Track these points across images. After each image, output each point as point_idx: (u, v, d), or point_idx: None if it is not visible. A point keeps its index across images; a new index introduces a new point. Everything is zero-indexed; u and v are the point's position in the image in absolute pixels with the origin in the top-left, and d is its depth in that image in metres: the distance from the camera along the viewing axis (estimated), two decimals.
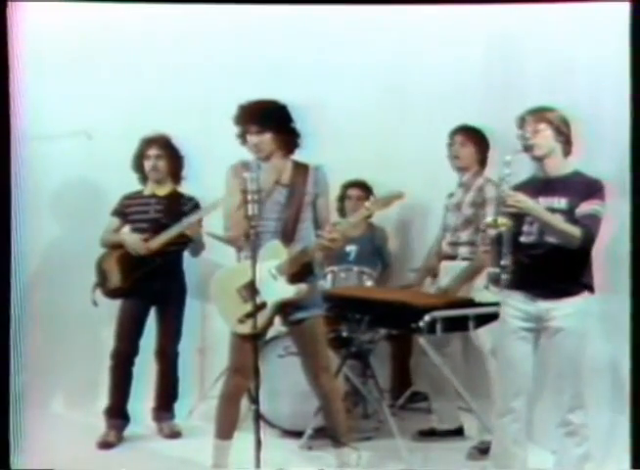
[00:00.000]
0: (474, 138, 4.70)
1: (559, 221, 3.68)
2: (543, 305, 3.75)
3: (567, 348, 3.73)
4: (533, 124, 3.75)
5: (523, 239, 3.77)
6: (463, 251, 4.65)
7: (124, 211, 4.86)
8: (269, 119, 3.95)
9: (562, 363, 3.75)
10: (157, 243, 4.69)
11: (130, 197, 4.89)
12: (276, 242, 3.95)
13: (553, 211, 3.71)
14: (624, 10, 4.08)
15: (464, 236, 4.65)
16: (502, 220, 3.68)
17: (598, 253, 3.77)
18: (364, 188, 5.28)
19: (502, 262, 3.73)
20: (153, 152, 4.80)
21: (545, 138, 3.75)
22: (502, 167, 3.73)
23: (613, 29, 4.14)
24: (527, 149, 3.76)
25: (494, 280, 3.80)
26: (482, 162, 4.72)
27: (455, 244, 4.69)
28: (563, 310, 3.72)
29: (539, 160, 3.79)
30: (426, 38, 4.86)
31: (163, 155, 4.81)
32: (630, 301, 4.02)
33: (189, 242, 4.80)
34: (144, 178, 4.88)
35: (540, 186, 3.79)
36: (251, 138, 3.96)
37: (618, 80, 4.09)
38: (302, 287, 3.95)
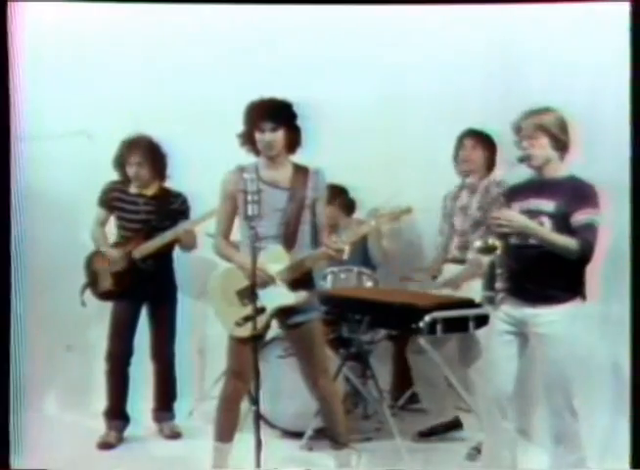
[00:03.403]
0: (484, 142, 4.69)
1: (555, 236, 3.60)
2: (530, 311, 3.69)
3: (553, 354, 3.65)
4: (529, 133, 3.66)
5: (513, 240, 3.69)
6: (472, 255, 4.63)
7: (112, 205, 4.82)
8: (283, 116, 3.93)
9: (549, 369, 3.69)
10: (147, 250, 4.70)
11: (116, 189, 4.82)
12: (279, 247, 3.91)
13: (540, 213, 3.66)
14: (624, 10, 4.08)
15: (473, 239, 4.59)
16: (494, 243, 3.61)
17: (598, 257, 3.72)
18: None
19: (497, 285, 3.70)
20: (134, 159, 4.72)
21: (542, 148, 3.67)
22: (493, 187, 3.67)
23: (613, 29, 4.14)
24: (524, 159, 3.68)
25: (489, 301, 3.78)
26: (490, 166, 4.69)
27: (464, 248, 4.66)
28: (549, 317, 3.65)
29: (537, 168, 3.72)
30: (426, 39, 4.85)
31: (145, 160, 4.73)
32: (630, 303, 4.03)
33: (178, 242, 4.79)
34: (127, 179, 4.82)
35: (533, 188, 3.73)
36: (264, 136, 3.90)
37: (618, 80, 4.09)
38: (302, 294, 3.93)
